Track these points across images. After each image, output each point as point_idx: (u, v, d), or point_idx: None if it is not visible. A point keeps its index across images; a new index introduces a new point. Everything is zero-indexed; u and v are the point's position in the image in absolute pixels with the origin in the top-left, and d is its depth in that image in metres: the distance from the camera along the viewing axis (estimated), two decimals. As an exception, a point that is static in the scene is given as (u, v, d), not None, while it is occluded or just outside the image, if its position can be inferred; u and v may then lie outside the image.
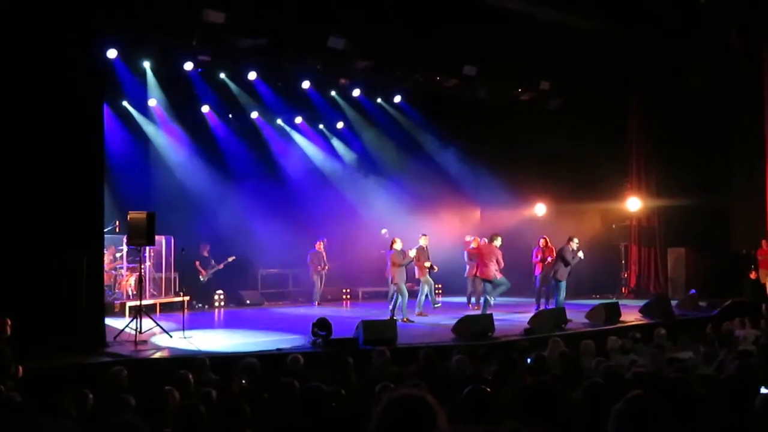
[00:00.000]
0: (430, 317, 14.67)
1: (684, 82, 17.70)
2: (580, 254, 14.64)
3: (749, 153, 17.69)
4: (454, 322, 12.32)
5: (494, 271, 14.38)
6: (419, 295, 15.20)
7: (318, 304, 17.22)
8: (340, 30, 14.84)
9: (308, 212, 18.99)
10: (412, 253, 14.64)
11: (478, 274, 14.80)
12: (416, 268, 14.97)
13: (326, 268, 17.35)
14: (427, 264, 14.96)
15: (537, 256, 15.72)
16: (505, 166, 19.13)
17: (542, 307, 14.69)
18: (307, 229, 18.58)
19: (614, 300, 15.64)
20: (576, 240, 14.75)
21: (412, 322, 14.04)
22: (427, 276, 15.04)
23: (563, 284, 14.55)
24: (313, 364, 8.64)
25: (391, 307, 14.44)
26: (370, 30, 15.28)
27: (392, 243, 14.63)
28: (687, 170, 18.39)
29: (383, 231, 18.73)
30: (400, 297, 14.26)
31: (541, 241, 15.78)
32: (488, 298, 14.38)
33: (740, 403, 4.47)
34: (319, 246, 17.38)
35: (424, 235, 15.29)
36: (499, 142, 19.36)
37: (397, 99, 19.18)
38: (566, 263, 14.40)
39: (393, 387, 5.49)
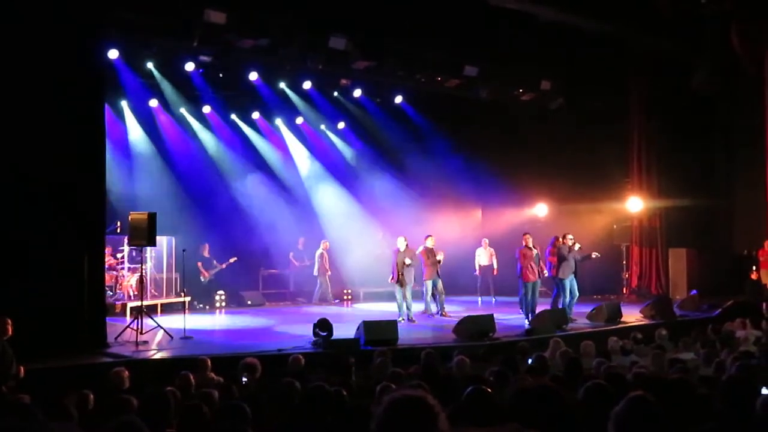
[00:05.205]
0: (432, 319, 14.68)
1: (686, 82, 17.68)
2: (577, 246, 14.35)
3: (751, 153, 17.67)
4: (455, 322, 12.34)
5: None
6: (425, 295, 15.21)
7: (317, 303, 17.47)
8: (341, 30, 14.86)
9: (310, 212, 19.08)
10: (440, 256, 14.83)
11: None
12: (423, 268, 14.96)
13: (328, 273, 17.72)
14: (440, 257, 14.90)
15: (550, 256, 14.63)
16: (506, 166, 19.13)
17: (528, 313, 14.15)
18: (308, 229, 18.66)
19: (615, 300, 15.58)
20: (570, 236, 14.43)
21: (414, 321, 14.07)
22: (435, 278, 15.01)
23: (567, 282, 14.07)
24: (314, 365, 8.66)
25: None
26: (371, 30, 15.28)
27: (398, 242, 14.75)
28: (688, 171, 18.39)
29: (379, 234, 18.93)
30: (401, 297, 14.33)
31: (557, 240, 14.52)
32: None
33: (741, 404, 4.46)
34: (325, 245, 17.70)
35: (430, 236, 15.24)
36: (500, 142, 19.36)
37: (398, 99, 19.17)
38: (562, 259, 14.14)
39: (394, 388, 5.49)
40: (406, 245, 14.66)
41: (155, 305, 14.50)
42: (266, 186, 18.44)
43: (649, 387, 4.65)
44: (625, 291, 18.78)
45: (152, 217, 11.50)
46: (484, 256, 17.87)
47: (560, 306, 13.97)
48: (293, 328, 12.89)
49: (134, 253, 14.30)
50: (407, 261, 14.44)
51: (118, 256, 14.71)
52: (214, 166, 17.78)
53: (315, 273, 17.68)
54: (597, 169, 18.58)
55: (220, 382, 7.47)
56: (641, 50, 18.06)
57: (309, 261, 18.17)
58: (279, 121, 18.93)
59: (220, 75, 16.45)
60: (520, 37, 16.19)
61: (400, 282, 14.36)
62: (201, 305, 16.09)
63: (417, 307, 14.99)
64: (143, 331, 11.24)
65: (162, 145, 17.07)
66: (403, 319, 13.98)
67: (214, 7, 13.25)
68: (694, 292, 16.66)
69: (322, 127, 19.58)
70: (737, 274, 17.30)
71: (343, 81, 17.79)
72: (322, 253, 17.68)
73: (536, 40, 16.37)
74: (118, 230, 14.13)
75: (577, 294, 14.30)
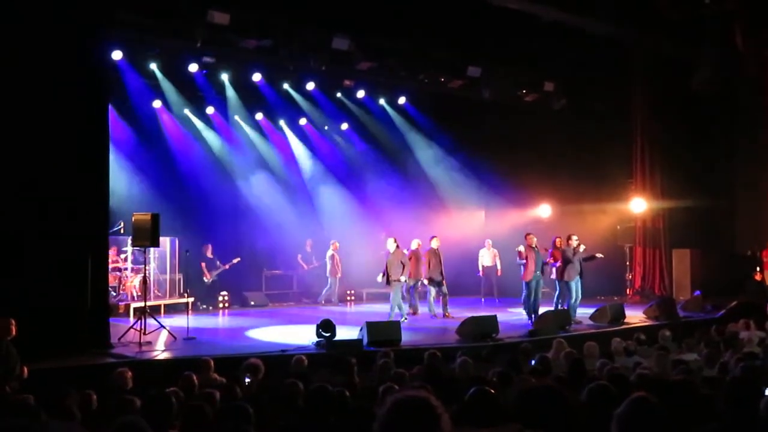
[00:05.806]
0: (435, 320, 14.68)
1: (688, 82, 17.65)
2: (582, 247, 14.32)
3: (754, 153, 17.65)
4: (458, 323, 12.33)
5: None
6: (428, 295, 15.21)
7: (324, 303, 17.56)
8: (344, 31, 14.87)
9: (313, 213, 19.08)
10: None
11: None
12: (424, 269, 14.94)
13: (338, 274, 17.76)
14: (432, 277, 14.91)
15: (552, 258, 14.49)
16: (510, 167, 19.10)
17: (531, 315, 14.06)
18: (311, 230, 18.66)
19: (619, 301, 15.55)
20: (575, 237, 14.34)
21: (405, 320, 14.09)
22: (439, 278, 14.99)
23: (572, 284, 14.01)
24: (318, 366, 8.65)
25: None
26: (374, 31, 15.29)
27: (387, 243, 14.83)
28: (691, 171, 18.35)
29: (382, 235, 19.03)
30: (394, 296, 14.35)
31: (557, 240, 14.46)
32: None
33: (745, 405, 4.45)
34: (335, 246, 17.77)
35: (434, 237, 15.21)
36: (503, 142, 19.34)
37: (402, 100, 19.17)
38: (567, 261, 14.10)
39: (397, 388, 5.49)
40: (396, 246, 14.63)
41: (158, 306, 14.51)
42: (269, 187, 18.43)
43: (652, 388, 4.66)
44: (628, 292, 18.75)
45: (155, 217, 11.51)
46: (487, 257, 17.88)
47: (563, 307, 13.94)
48: (296, 329, 12.89)
49: (138, 255, 14.30)
50: (400, 261, 14.46)
51: (122, 256, 14.73)
52: (217, 167, 17.79)
53: (327, 274, 17.74)
54: (600, 170, 18.55)
55: (223, 382, 7.47)
56: (642, 50, 18.05)
57: (318, 262, 18.20)
58: (282, 122, 18.94)
59: (224, 76, 16.46)
60: (523, 37, 16.19)
61: (391, 283, 14.34)
62: (204, 306, 16.08)
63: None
64: (146, 332, 11.23)
65: (165, 146, 17.08)
66: (406, 319, 13.98)
67: (217, 8, 13.27)
68: (698, 292, 16.64)
69: (326, 127, 19.59)
70: (741, 275, 17.27)
71: (347, 82, 17.80)
72: (333, 254, 17.68)
73: (539, 41, 16.37)
74: (122, 231, 14.13)
75: (580, 296, 14.25)
